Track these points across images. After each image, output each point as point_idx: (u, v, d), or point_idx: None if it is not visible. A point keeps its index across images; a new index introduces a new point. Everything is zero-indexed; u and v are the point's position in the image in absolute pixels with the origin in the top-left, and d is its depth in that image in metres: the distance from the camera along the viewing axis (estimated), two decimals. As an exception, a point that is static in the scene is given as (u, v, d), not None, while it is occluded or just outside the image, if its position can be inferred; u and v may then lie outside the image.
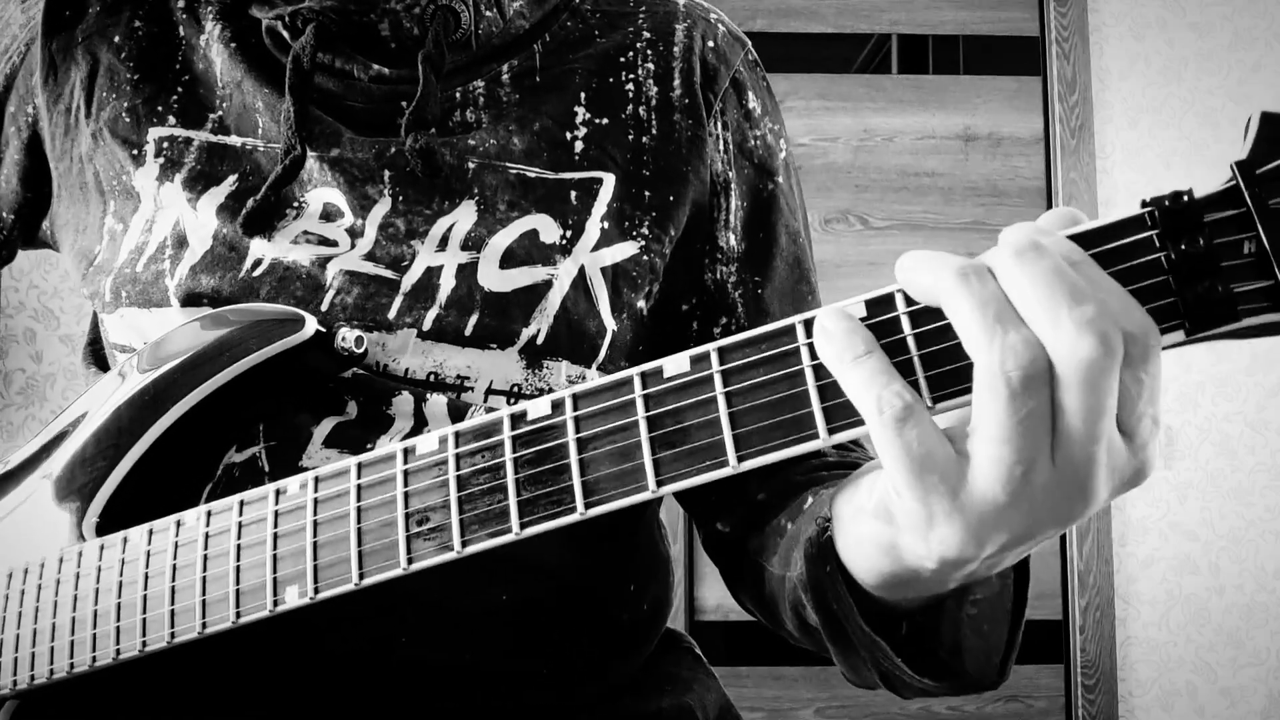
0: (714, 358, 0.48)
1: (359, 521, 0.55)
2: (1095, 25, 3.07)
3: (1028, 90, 3.09)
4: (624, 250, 0.76)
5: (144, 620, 0.62)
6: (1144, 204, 0.42)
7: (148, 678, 0.67)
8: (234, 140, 0.77)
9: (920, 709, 2.92)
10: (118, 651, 0.63)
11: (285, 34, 0.78)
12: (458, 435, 0.53)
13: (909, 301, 0.45)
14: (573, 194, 0.76)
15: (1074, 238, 0.43)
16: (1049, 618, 2.93)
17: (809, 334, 0.46)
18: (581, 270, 0.74)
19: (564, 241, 0.74)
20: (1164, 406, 2.92)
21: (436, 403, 0.70)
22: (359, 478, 0.56)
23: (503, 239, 0.73)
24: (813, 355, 0.46)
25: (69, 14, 0.82)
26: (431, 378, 0.71)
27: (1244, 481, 2.92)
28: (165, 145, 0.77)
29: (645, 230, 0.77)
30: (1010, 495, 0.42)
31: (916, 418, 0.43)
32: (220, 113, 0.78)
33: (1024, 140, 3.08)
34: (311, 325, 0.67)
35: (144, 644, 0.61)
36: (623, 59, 0.81)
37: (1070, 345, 0.40)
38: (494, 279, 0.72)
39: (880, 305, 0.46)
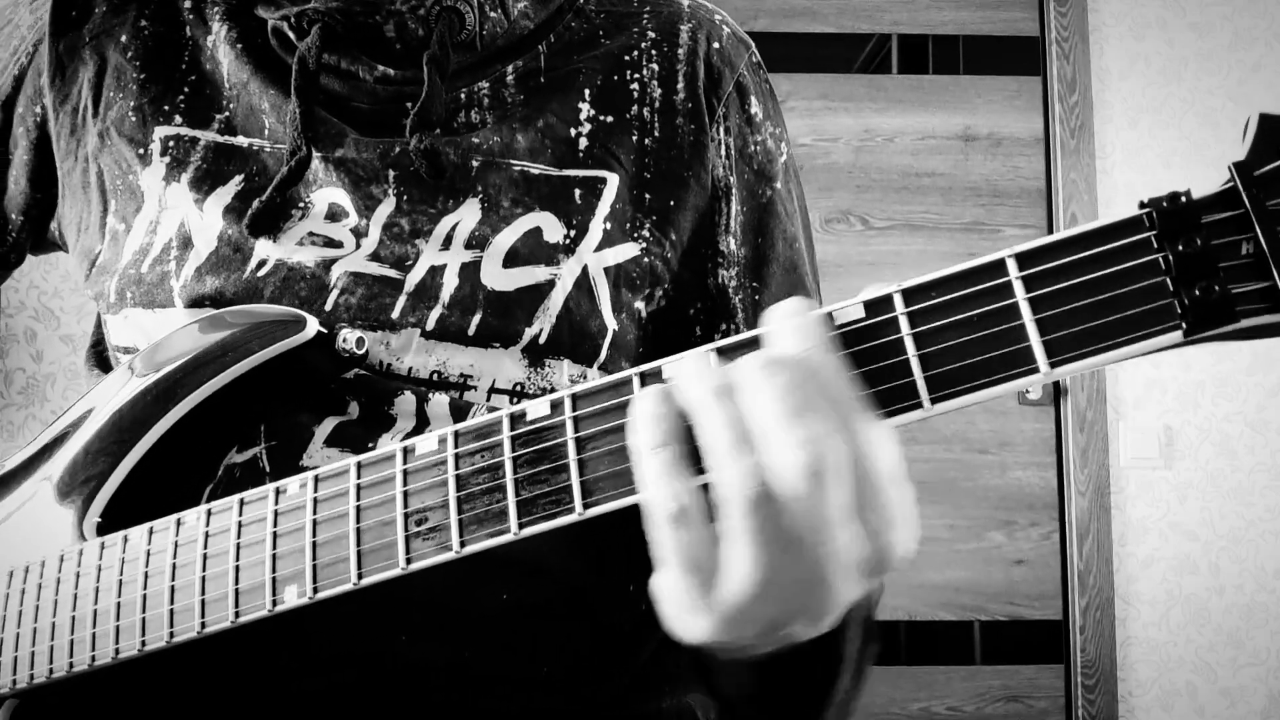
0: (712, 359, 0.48)
1: (358, 521, 0.55)
2: (1095, 25, 3.07)
3: (1028, 90, 3.10)
4: (626, 251, 0.76)
5: (143, 620, 0.62)
6: (1142, 205, 0.42)
7: (148, 677, 0.67)
8: (240, 141, 0.77)
9: (920, 709, 2.92)
10: (117, 651, 0.63)
11: (291, 35, 0.78)
12: (457, 435, 0.53)
13: (907, 301, 0.45)
14: (577, 192, 0.76)
15: (1076, 238, 0.43)
16: (1049, 618, 2.93)
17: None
18: (585, 270, 0.74)
19: (568, 241, 0.74)
20: (1167, 407, 2.93)
21: (439, 402, 0.70)
22: (358, 477, 0.56)
23: (506, 237, 0.73)
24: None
25: (75, 14, 0.82)
26: (435, 377, 0.71)
27: (1244, 481, 2.92)
28: (171, 144, 0.77)
29: (646, 233, 0.77)
30: (756, 596, 0.46)
31: (689, 522, 0.46)
32: (227, 113, 0.78)
33: (1024, 140, 3.08)
34: (313, 326, 0.67)
35: (143, 643, 0.61)
36: (627, 59, 0.81)
37: (788, 468, 0.44)
38: (497, 278, 0.72)
39: (878, 307, 0.46)
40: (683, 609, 0.48)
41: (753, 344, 0.48)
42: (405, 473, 0.54)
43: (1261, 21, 3.07)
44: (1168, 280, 0.41)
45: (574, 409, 0.51)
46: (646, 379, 0.50)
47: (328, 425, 0.69)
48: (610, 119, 0.79)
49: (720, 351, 0.48)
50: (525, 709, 0.71)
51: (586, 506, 0.50)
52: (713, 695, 0.59)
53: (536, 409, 0.52)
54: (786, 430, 0.44)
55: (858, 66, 3.21)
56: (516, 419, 0.52)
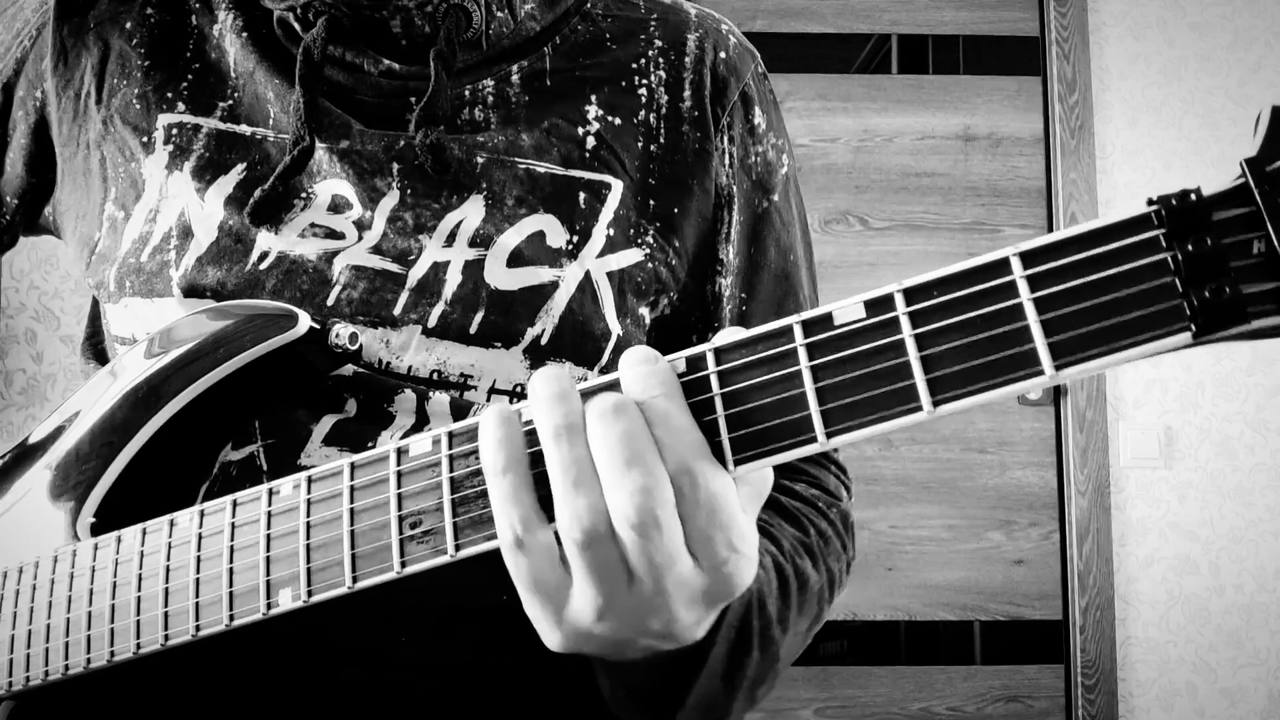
0: (710, 359, 0.48)
1: (352, 524, 0.54)
2: (1095, 25, 3.07)
3: (1028, 90, 3.09)
4: (630, 256, 0.76)
5: (137, 622, 0.61)
6: (1150, 202, 0.41)
7: (146, 678, 0.67)
8: (244, 129, 0.77)
9: (920, 709, 2.92)
10: (112, 654, 0.62)
11: (296, 26, 0.78)
12: (451, 436, 0.53)
13: (909, 301, 0.44)
14: (581, 195, 0.76)
15: (1083, 236, 0.42)
16: (1049, 618, 2.93)
17: (806, 335, 0.46)
18: (588, 274, 0.74)
19: (570, 246, 0.74)
20: (1167, 407, 2.93)
21: (439, 401, 0.70)
22: (352, 479, 0.55)
23: (511, 237, 0.73)
24: (810, 356, 0.46)
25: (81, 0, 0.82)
26: (435, 376, 0.71)
27: (1244, 481, 2.91)
28: (174, 132, 0.77)
29: (650, 239, 0.77)
30: (597, 620, 0.50)
31: (529, 548, 0.49)
32: (231, 101, 0.78)
33: (1024, 140, 3.08)
34: (305, 322, 0.67)
35: (138, 646, 0.61)
36: (635, 65, 0.81)
37: (620, 509, 0.46)
38: (501, 277, 0.72)
39: (879, 306, 0.45)
40: (536, 622, 0.52)
41: (614, 385, 0.49)
42: (399, 474, 0.54)
43: (1261, 21, 3.06)
44: (1176, 280, 0.40)
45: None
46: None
47: (326, 423, 0.69)
48: (618, 121, 0.79)
49: (719, 352, 0.48)
50: (525, 708, 0.71)
51: None
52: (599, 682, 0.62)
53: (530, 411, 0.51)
54: (620, 478, 0.46)
55: (857, 67, 3.21)
56: None
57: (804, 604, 0.70)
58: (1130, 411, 2.94)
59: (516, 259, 0.73)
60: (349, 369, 0.70)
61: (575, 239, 0.75)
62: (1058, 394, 2.99)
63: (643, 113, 0.80)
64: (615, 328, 0.75)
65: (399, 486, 0.54)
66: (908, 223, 3.05)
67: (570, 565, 0.49)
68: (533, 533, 0.48)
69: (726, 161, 0.81)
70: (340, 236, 0.73)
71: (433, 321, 0.71)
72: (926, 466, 2.97)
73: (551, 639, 0.52)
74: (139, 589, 0.62)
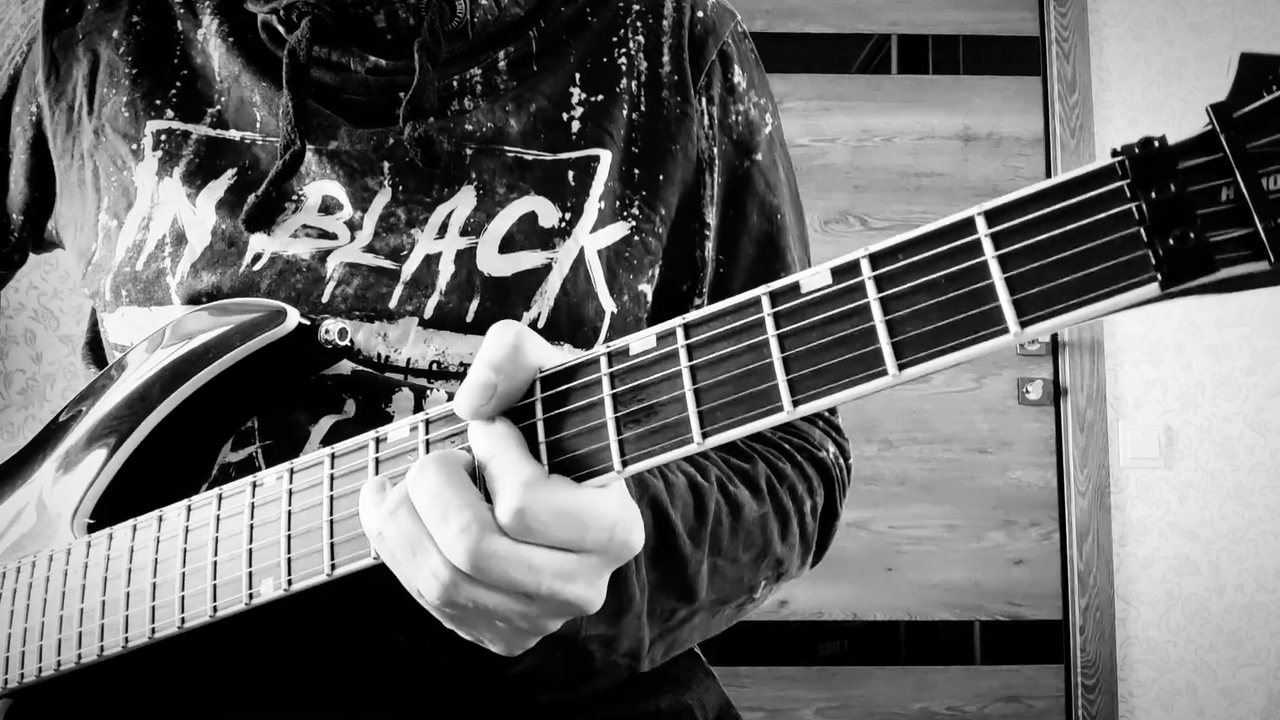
0: (679, 334, 0.47)
1: (331, 512, 0.55)
2: (1095, 25, 3.07)
3: (1028, 90, 3.09)
4: (616, 232, 0.76)
5: (127, 616, 0.62)
6: (1114, 153, 0.40)
7: (144, 675, 0.67)
8: (233, 134, 0.77)
9: (921, 709, 2.92)
10: (102, 648, 0.63)
11: (280, 28, 0.78)
12: (428, 422, 0.53)
13: (874, 265, 0.43)
14: (570, 174, 0.76)
15: (1047, 191, 0.41)
16: (1049, 618, 2.93)
17: (774, 305, 0.46)
18: (580, 253, 0.74)
19: (563, 224, 0.74)
20: (1167, 407, 2.92)
21: (437, 399, 0.70)
22: (332, 468, 0.55)
23: (501, 223, 0.73)
24: (777, 325, 0.45)
25: (68, 12, 0.82)
26: (434, 367, 0.71)
27: (1244, 481, 2.91)
28: (164, 139, 0.77)
29: (635, 210, 0.77)
30: (514, 642, 0.54)
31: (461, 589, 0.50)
32: (219, 107, 0.78)
33: (1024, 140, 3.08)
34: (293, 318, 0.67)
35: (126, 640, 0.62)
36: (614, 36, 0.81)
37: (453, 559, 0.48)
38: (494, 263, 0.72)
39: (845, 273, 0.44)
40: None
41: (454, 417, 0.53)
42: (377, 461, 0.54)
43: (1261, 21, 3.06)
44: (1142, 230, 0.39)
45: (544, 390, 0.50)
46: (614, 358, 0.49)
47: (324, 424, 0.69)
48: (600, 98, 0.79)
49: (688, 326, 0.48)
50: (525, 708, 0.71)
51: None
52: None
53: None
54: (441, 531, 0.48)
55: (856, 66, 3.21)
56: None
57: (737, 529, 0.71)
58: (1130, 411, 2.93)
59: (508, 244, 0.73)
60: (348, 368, 0.70)
61: (568, 215, 0.75)
62: (1058, 394, 2.99)
63: (624, 81, 0.79)
64: (609, 305, 0.75)
65: (377, 473, 0.54)
66: (907, 223, 3.05)
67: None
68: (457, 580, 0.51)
69: (706, 123, 0.81)
70: (333, 237, 0.73)
71: (429, 313, 0.71)
72: (927, 466, 2.97)
73: (502, 652, 0.55)
74: (129, 583, 0.62)
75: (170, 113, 0.78)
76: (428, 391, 0.70)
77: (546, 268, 0.73)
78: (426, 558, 0.49)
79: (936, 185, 3.07)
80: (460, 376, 0.71)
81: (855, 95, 3.09)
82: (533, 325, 0.72)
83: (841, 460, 0.83)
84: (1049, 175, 3.05)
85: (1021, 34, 3.11)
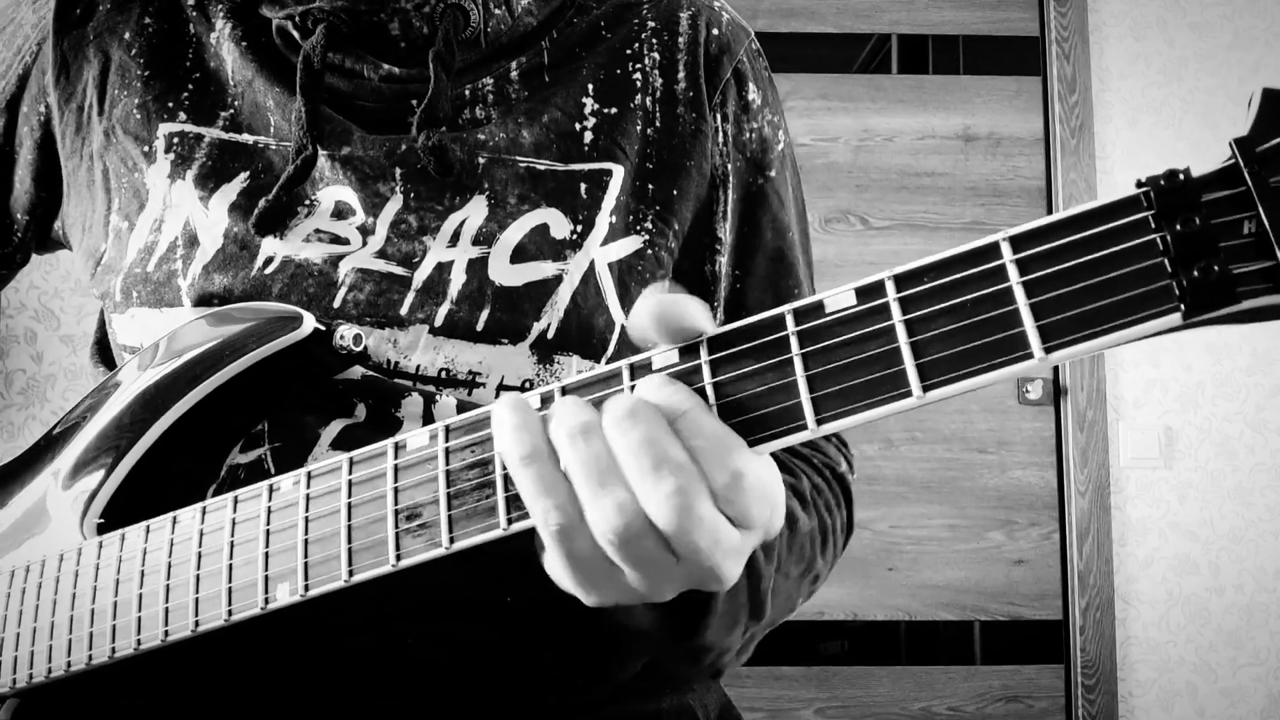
0: (703, 349, 0.48)
1: (349, 518, 0.55)
2: (1095, 25, 3.07)
3: (1028, 90, 3.09)
4: (629, 245, 0.76)
5: (139, 618, 0.62)
6: (1139, 184, 0.41)
7: (152, 677, 0.67)
8: (246, 138, 0.77)
9: (921, 709, 2.92)
10: (113, 650, 0.63)
11: (295, 34, 0.78)
12: (448, 430, 0.53)
13: (899, 287, 0.44)
14: (583, 186, 0.76)
15: (1071, 219, 0.42)
16: (1049, 618, 2.93)
17: (798, 323, 0.46)
18: (591, 265, 0.74)
19: (574, 237, 0.74)
20: (1167, 407, 2.93)
21: (446, 405, 0.70)
22: (350, 473, 0.55)
23: (513, 234, 0.74)
24: (801, 344, 0.46)
25: (79, 12, 0.82)
26: (443, 374, 0.71)
27: (1244, 481, 2.91)
28: (176, 141, 0.77)
29: (649, 225, 0.77)
30: (649, 593, 0.50)
31: (575, 535, 0.48)
32: (232, 110, 0.78)
33: (1024, 140, 3.08)
34: (309, 323, 0.67)
35: (139, 642, 0.62)
36: (629, 51, 0.81)
37: (656, 513, 0.46)
38: (505, 274, 0.73)
39: (870, 293, 0.45)
40: (577, 594, 0.51)
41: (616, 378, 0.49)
42: (396, 468, 0.54)
43: (1261, 21, 3.07)
44: (1166, 261, 0.40)
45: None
46: (636, 371, 0.49)
47: (334, 428, 0.69)
48: (614, 110, 0.79)
49: (711, 342, 0.48)
50: (528, 708, 0.71)
51: None
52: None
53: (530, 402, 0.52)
54: (651, 482, 0.46)
55: (857, 66, 3.21)
56: None
57: (793, 544, 0.71)
58: (1130, 411, 2.94)
59: (520, 254, 0.73)
60: (358, 372, 0.70)
61: (579, 229, 0.75)
62: (1058, 394, 2.99)
63: (638, 97, 0.80)
64: (620, 318, 0.75)
65: (396, 480, 0.54)
66: (908, 222, 3.05)
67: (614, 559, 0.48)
68: (577, 518, 0.48)
69: (720, 140, 0.81)
70: (345, 242, 0.73)
71: (439, 321, 0.71)
72: (927, 466, 2.97)
73: (590, 602, 0.52)
74: (141, 585, 0.62)
75: (183, 115, 0.78)
76: (436, 398, 0.70)
77: (557, 279, 0.73)
78: (614, 490, 0.46)
79: (937, 185, 3.07)
80: (469, 384, 0.71)
81: (856, 95, 3.09)
82: (543, 335, 0.72)
83: (850, 474, 0.84)
84: (1049, 175, 3.06)
85: (1021, 34, 3.11)
